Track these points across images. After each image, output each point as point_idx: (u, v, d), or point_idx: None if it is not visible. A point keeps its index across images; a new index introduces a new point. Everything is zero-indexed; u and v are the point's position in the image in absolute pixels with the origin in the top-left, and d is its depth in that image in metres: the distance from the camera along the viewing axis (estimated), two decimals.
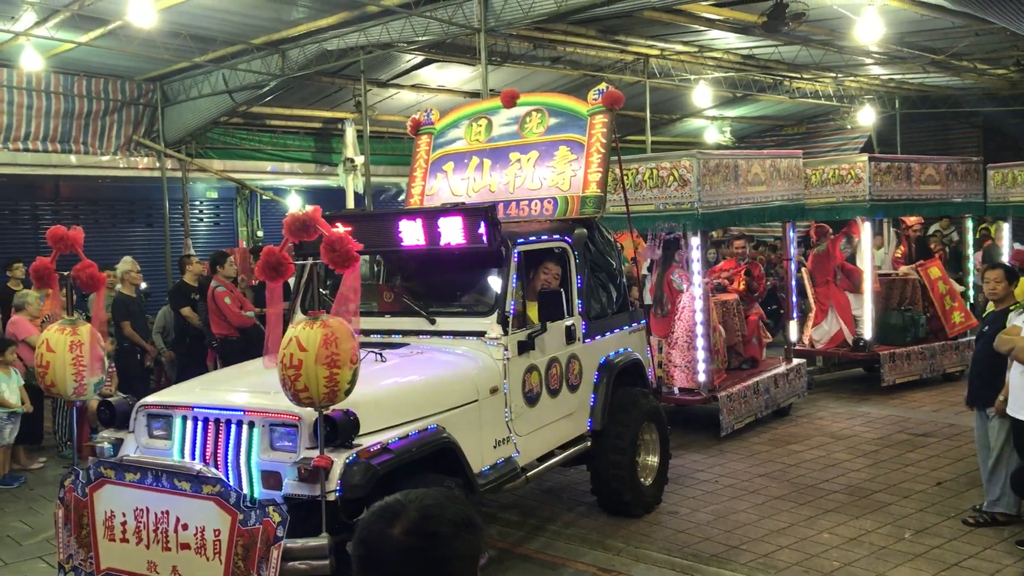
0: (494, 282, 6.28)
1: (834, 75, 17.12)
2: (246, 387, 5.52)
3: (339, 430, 4.65)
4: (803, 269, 11.96)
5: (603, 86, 7.16)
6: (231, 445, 4.89)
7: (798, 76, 17.02)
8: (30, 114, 13.28)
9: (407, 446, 4.95)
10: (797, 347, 11.21)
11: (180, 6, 10.13)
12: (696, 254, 9.06)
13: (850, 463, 8.41)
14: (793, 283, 11.13)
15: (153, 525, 4.66)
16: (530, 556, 6.46)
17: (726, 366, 9.93)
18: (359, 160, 14.30)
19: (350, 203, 15.69)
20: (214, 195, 17.84)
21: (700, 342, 9.12)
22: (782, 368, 10.38)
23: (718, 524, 6.93)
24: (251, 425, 4.86)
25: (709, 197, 8.76)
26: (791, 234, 10.94)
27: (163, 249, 15.14)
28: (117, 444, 5.32)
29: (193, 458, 4.96)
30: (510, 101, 7.46)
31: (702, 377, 9.15)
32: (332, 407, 4.56)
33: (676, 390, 9.31)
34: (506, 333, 5.98)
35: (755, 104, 20.18)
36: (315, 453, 4.56)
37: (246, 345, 9.70)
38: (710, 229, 9.79)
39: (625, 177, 7.69)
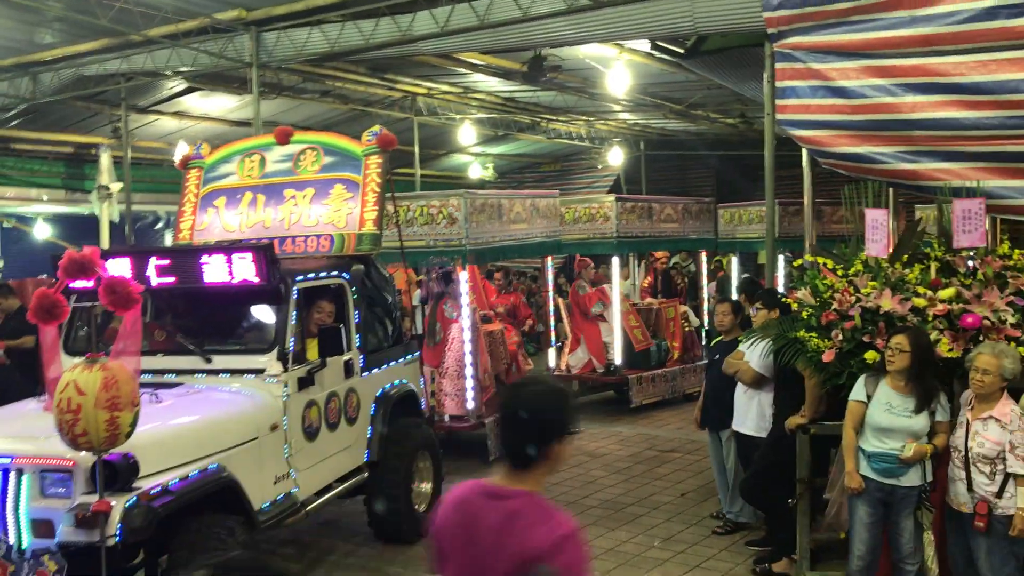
0: (272, 319, 6.30)
1: (587, 118, 18.38)
2: (12, 432, 5.28)
3: (118, 474, 4.63)
4: (559, 300, 12.78)
5: (377, 128, 7.39)
6: None
7: (554, 118, 18.13)
8: None
9: (188, 487, 4.98)
10: (555, 372, 11.93)
11: None
12: (464, 287, 9.53)
13: (606, 479, 9.13)
14: (552, 312, 11.94)
15: None
16: None
17: (493, 390, 10.37)
18: (115, 187, 13.71)
19: (104, 231, 14.94)
20: None
21: (468, 371, 9.59)
22: None
23: None
24: (19, 472, 4.74)
25: (476, 234, 9.31)
26: (549, 267, 11.73)
27: None
28: None
29: None
30: (284, 138, 7.56)
31: (471, 404, 9.61)
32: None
33: (447, 417, 9.70)
34: (286, 370, 6.04)
35: (516, 142, 21.20)
36: (92, 498, 4.53)
37: None
38: (478, 263, 10.33)
39: (397, 214, 8.02)
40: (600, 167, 22.68)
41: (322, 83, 13.49)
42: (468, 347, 9.56)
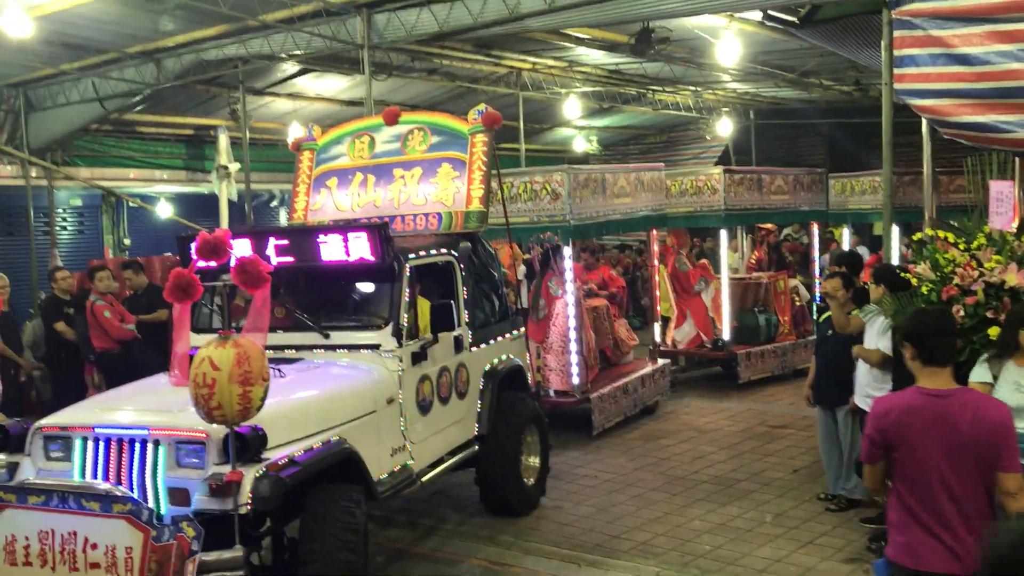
0: (387, 296, 6.43)
1: (694, 88, 18.10)
2: (147, 406, 5.52)
3: (249, 445, 4.80)
4: (665, 273, 12.66)
5: (481, 107, 7.46)
6: (135, 464, 4.97)
7: (661, 89, 17.92)
8: None
9: (313, 458, 5.12)
10: (661, 348, 11.84)
11: (56, 15, 9.96)
12: (568, 263, 9.56)
13: (715, 455, 9.10)
14: (657, 287, 11.87)
15: (59, 547, 4.69)
16: (427, 555, 6.80)
17: (598, 366, 10.48)
18: (233, 167, 14.23)
19: (223, 210, 15.52)
20: (78, 203, 17.32)
21: (573, 346, 9.64)
22: (648, 369, 10.99)
23: (599, 516, 7.45)
24: (156, 444, 4.95)
25: (579, 209, 9.31)
26: (655, 241, 11.63)
27: (27, 260, 14.66)
28: (12, 468, 5.30)
29: (95, 479, 4.99)
30: (392, 119, 7.72)
31: (576, 380, 9.65)
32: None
33: (552, 392, 9.77)
34: (400, 345, 6.20)
35: (620, 115, 21.04)
36: (224, 468, 4.73)
37: (127, 358, 9.67)
38: (581, 239, 10.32)
39: (502, 190, 8.10)
40: (708, 138, 22.33)
41: (429, 61, 13.67)
42: (572, 323, 9.61)
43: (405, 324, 6.28)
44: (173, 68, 12.26)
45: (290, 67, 13.51)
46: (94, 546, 4.60)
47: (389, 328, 6.23)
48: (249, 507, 4.69)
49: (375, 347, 6.20)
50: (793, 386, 12.17)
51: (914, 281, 6.08)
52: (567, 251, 9.49)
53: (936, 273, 5.87)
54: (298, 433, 5.24)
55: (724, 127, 20.91)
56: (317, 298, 6.96)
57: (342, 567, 5.03)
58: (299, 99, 15.70)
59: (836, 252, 13.67)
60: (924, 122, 7.35)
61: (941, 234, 6.20)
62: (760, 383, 12.19)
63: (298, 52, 11.20)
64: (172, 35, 11.46)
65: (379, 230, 6.15)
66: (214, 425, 4.75)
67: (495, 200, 7.82)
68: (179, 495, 4.87)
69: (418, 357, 6.38)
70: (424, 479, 6.43)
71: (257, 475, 4.75)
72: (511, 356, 7.73)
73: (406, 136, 7.62)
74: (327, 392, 5.78)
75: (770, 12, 10.09)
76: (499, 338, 7.61)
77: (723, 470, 8.59)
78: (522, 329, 8.14)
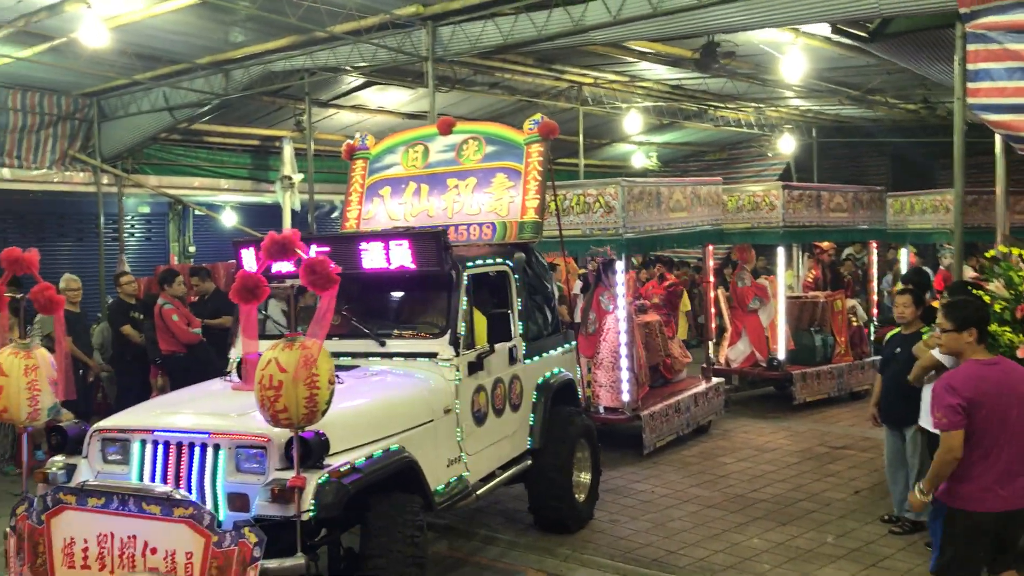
0: (444, 304, 6.36)
1: (756, 105, 17.94)
2: (207, 409, 5.47)
3: (312, 451, 4.72)
4: (719, 290, 12.46)
5: (538, 116, 7.41)
6: (194, 468, 4.92)
7: (722, 105, 17.80)
8: None
9: (374, 466, 5.07)
10: (715, 366, 11.63)
11: (130, 25, 10.23)
12: (620, 277, 9.43)
13: (775, 474, 8.97)
14: (713, 304, 11.70)
15: (118, 550, 4.63)
16: (487, 565, 6.80)
17: (649, 383, 10.29)
18: (297, 177, 14.46)
19: (287, 220, 15.75)
20: (146, 210, 17.76)
21: (624, 363, 9.47)
22: (702, 387, 10.80)
23: (656, 531, 7.37)
24: (216, 448, 4.90)
25: (633, 223, 9.19)
26: (710, 257, 11.43)
27: (95, 265, 15.03)
28: (70, 470, 5.28)
29: (153, 482, 4.96)
30: (447, 128, 7.68)
31: (626, 397, 9.49)
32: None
33: (602, 409, 9.61)
34: (458, 354, 6.13)
35: (681, 131, 20.94)
36: (286, 474, 4.66)
37: (192, 361, 9.86)
38: (634, 253, 10.18)
39: (553, 203, 7.97)
40: (769, 155, 22.10)
41: (491, 75, 13.76)
42: (623, 338, 9.46)
43: (462, 333, 6.23)
44: (241, 79, 12.50)
45: (354, 80, 13.69)
46: (153, 550, 4.56)
47: (446, 337, 6.17)
48: (311, 514, 4.62)
49: (432, 355, 6.15)
50: (851, 408, 11.98)
51: (986, 299, 5.94)
52: (619, 265, 9.38)
53: (1010, 291, 5.73)
54: (357, 440, 5.18)
55: (786, 144, 20.67)
56: (372, 305, 6.90)
57: None
58: (362, 111, 15.90)
59: (911, 269, 13.41)
60: (998, 140, 7.19)
61: (1016, 251, 6.05)
62: (815, 405, 11.97)
63: (363, 64, 11.35)
64: (241, 47, 11.69)
65: (439, 237, 6.09)
66: (275, 429, 4.69)
67: (549, 212, 7.75)
68: (238, 500, 4.82)
69: (474, 367, 6.32)
70: (480, 492, 6.36)
71: (320, 481, 4.68)
72: (562, 370, 7.64)
73: (461, 146, 7.58)
74: (386, 399, 5.73)
75: (838, 27, 9.96)
76: (551, 351, 7.53)
77: (782, 489, 8.46)
78: (573, 343, 8.05)
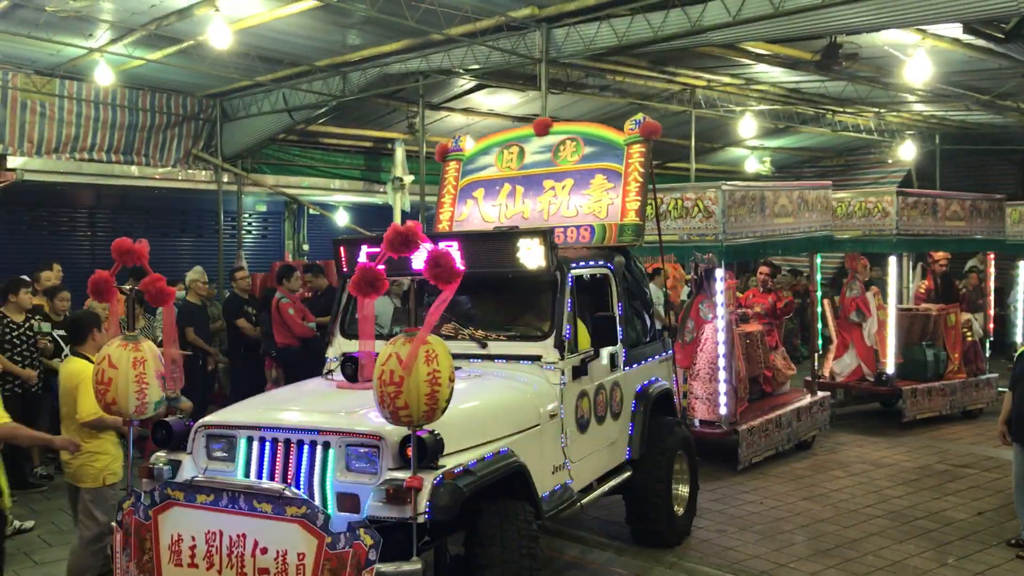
0: (548, 306, 6.17)
1: (877, 110, 17.34)
2: (315, 407, 5.35)
3: (427, 450, 4.52)
4: (824, 301, 11.99)
5: (640, 116, 7.15)
6: (303, 467, 4.78)
7: (841, 110, 17.26)
8: (97, 126, 13.76)
9: (485, 469, 4.86)
10: (819, 379, 11.22)
11: (254, 28, 10.56)
12: (720, 285, 9.12)
13: (891, 490, 8.67)
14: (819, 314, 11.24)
15: (227, 549, 4.49)
16: (598, 569, 6.75)
17: (748, 397, 9.93)
18: (407, 179, 14.69)
19: (397, 219, 16.05)
20: (263, 208, 18.32)
21: (722, 375, 9.15)
22: (806, 401, 10.41)
23: (764, 543, 7.19)
24: (326, 446, 4.75)
25: (734, 229, 8.86)
26: (818, 264, 11.02)
27: (215, 260, 15.58)
28: (175, 466, 5.18)
29: (261, 479, 4.83)
30: (543, 129, 7.46)
31: (723, 410, 9.15)
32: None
33: (697, 422, 9.29)
34: (563, 358, 5.94)
35: (796, 135, 20.42)
36: (399, 474, 4.49)
37: (306, 355, 10.07)
38: (735, 260, 9.80)
39: (650, 207, 7.56)
40: (889, 161, 21.32)
41: (602, 77, 13.67)
42: (722, 349, 9.15)
43: (568, 336, 6.04)
44: (358, 81, 12.76)
45: (466, 83, 13.81)
46: (264, 550, 4.40)
47: (551, 339, 5.97)
48: (427, 516, 4.42)
49: (535, 359, 5.96)
50: (970, 426, 11.45)
51: None
52: (719, 273, 9.08)
53: None
54: (468, 442, 5.01)
55: (907, 151, 19.90)
56: (474, 306, 6.73)
57: None
58: (473, 114, 16.03)
59: None
60: None
61: None
62: (926, 423, 11.44)
63: (476, 66, 11.43)
64: (358, 49, 11.93)
65: (546, 236, 5.86)
66: (388, 427, 4.55)
67: (648, 217, 7.44)
68: (348, 501, 4.63)
69: (578, 371, 6.11)
70: (584, 501, 6.14)
71: (434, 482, 4.49)
72: (660, 379, 7.41)
73: (557, 147, 7.36)
74: (492, 401, 5.56)
75: (972, 26, 9.51)
76: (650, 359, 7.29)
77: (899, 506, 8.16)
78: (670, 352, 7.79)
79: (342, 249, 6.52)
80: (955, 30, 10.13)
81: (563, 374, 5.93)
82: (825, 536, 7.36)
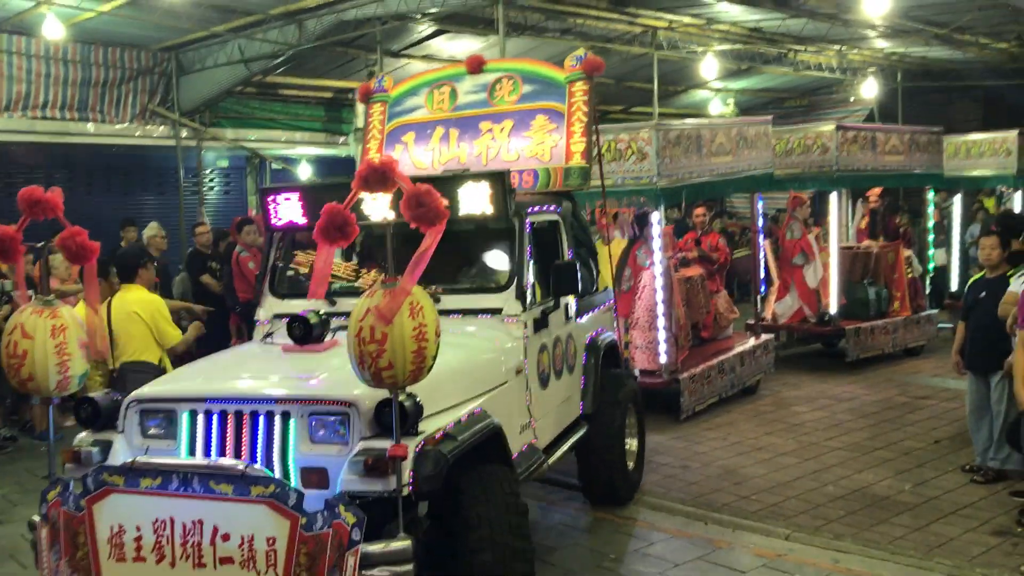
0: (505, 255, 5.79)
1: (838, 47, 17.31)
2: (266, 372, 4.82)
3: (407, 415, 4.05)
4: (766, 241, 11.85)
5: (581, 51, 6.66)
6: (260, 441, 4.27)
7: (803, 49, 17.20)
8: (48, 83, 13.46)
9: (465, 432, 4.39)
10: (761, 321, 11.09)
11: None
12: (656, 230, 8.78)
13: (852, 423, 8.84)
14: (760, 256, 10.99)
15: (181, 538, 3.90)
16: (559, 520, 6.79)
17: (689, 344, 9.61)
18: None
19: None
20: (224, 164, 18.07)
21: (661, 322, 8.86)
22: (750, 344, 10.17)
23: (727, 477, 7.32)
24: (285, 416, 4.27)
25: (669, 170, 8.47)
26: (759, 205, 10.73)
27: (176, 217, 15.39)
28: (105, 448, 4.54)
29: (208, 457, 4.30)
30: (476, 67, 6.90)
31: (663, 358, 8.91)
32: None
33: (638, 372, 8.89)
34: (525, 309, 5.54)
35: (759, 76, 20.35)
36: (376, 443, 4.04)
37: None
38: (671, 204, 9.46)
39: (599, 148, 7.04)
40: (851, 100, 21.35)
41: (563, 20, 13.52)
42: (660, 296, 8.83)
43: (528, 287, 5.65)
44: (314, 29, 12.54)
45: (425, 28, 13.62)
46: (225, 537, 3.85)
47: (512, 291, 5.56)
48: (412, 488, 3.98)
49: (496, 311, 5.53)
50: (907, 363, 11.45)
51: None
52: (655, 216, 8.75)
53: None
54: (443, 403, 4.55)
55: (869, 89, 19.88)
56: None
57: (513, 555, 4.34)
58: (433, 61, 15.82)
59: (1003, 212, 12.85)
60: None
61: None
62: (868, 362, 11.35)
63: (434, 10, 11.27)
64: None
65: (503, 178, 5.38)
66: (357, 391, 4.14)
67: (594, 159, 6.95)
68: (315, 476, 4.19)
69: (539, 324, 5.72)
70: (550, 460, 5.75)
71: (416, 450, 4.03)
72: (606, 329, 7.12)
73: (493, 85, 6.79)
74: (461, 359, 5.00)
75: None
76: (595, 309, 6.95)
77: (860, 438, 8.36)
78: (611, 301, 7.47)
79: (270, 199, 5.85)
80: None
81: (526, 327, 5.53)
82: (787, 469, 7.51)
